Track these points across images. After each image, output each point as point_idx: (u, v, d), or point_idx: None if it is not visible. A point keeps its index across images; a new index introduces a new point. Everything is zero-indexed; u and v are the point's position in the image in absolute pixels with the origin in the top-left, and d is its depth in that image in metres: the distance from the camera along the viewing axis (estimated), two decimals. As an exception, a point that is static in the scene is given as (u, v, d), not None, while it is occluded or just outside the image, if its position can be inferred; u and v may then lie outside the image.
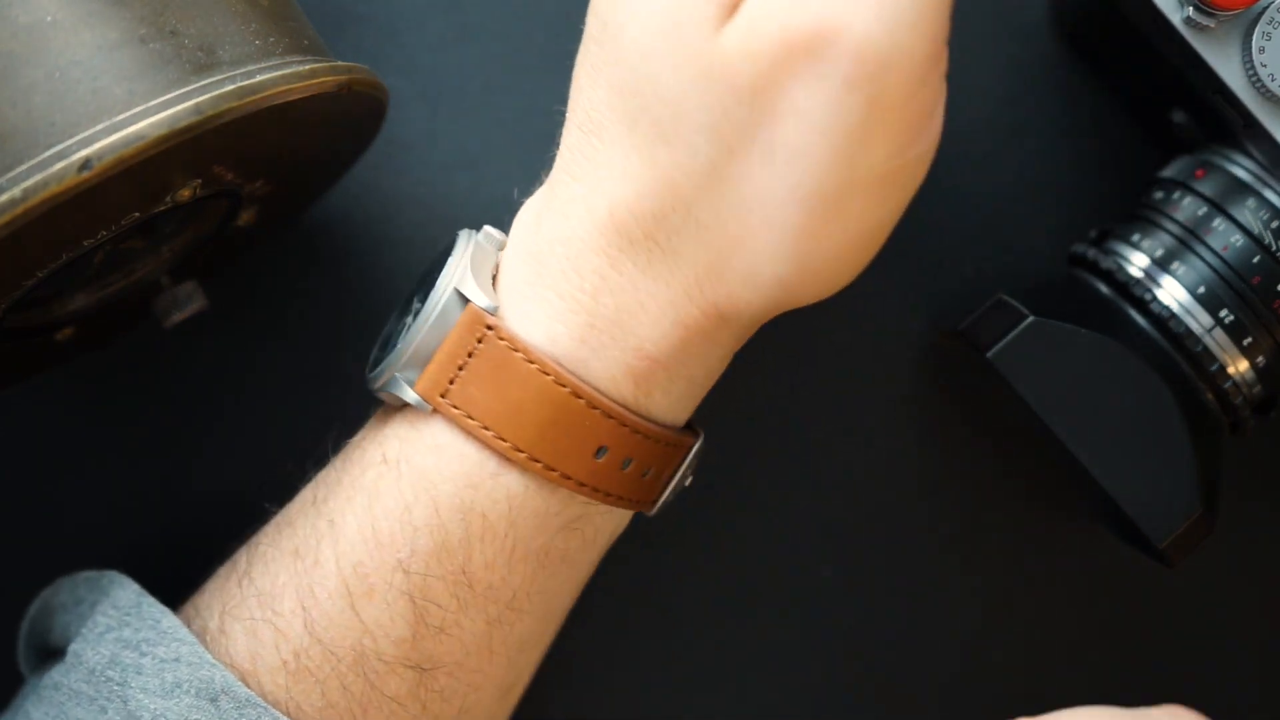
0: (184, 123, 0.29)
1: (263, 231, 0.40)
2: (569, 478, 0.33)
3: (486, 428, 0.32)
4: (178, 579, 0.43)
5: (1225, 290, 0.36)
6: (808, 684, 0.43)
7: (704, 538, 0.43)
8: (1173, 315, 0.36)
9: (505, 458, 0.33)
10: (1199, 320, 0.36)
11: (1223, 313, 0.36)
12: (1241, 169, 0.36)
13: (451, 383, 0.33)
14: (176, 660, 0.32)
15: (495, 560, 0.33)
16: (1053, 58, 0.43)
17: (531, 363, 0.32)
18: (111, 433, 0.44)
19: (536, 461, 0.32)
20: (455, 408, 0.32)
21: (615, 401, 0.33)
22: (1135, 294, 0.36)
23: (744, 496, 0.43)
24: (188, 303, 0.39)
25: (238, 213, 0.37)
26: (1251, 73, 0.33)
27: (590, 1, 0.33)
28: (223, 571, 0.35)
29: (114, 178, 0.29)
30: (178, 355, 0.43)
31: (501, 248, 0.34)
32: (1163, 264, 0.36)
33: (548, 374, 0.32)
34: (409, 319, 0.34)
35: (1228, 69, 0.34)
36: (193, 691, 0.32)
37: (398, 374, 0.33)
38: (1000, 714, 0.43)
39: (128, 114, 0.29)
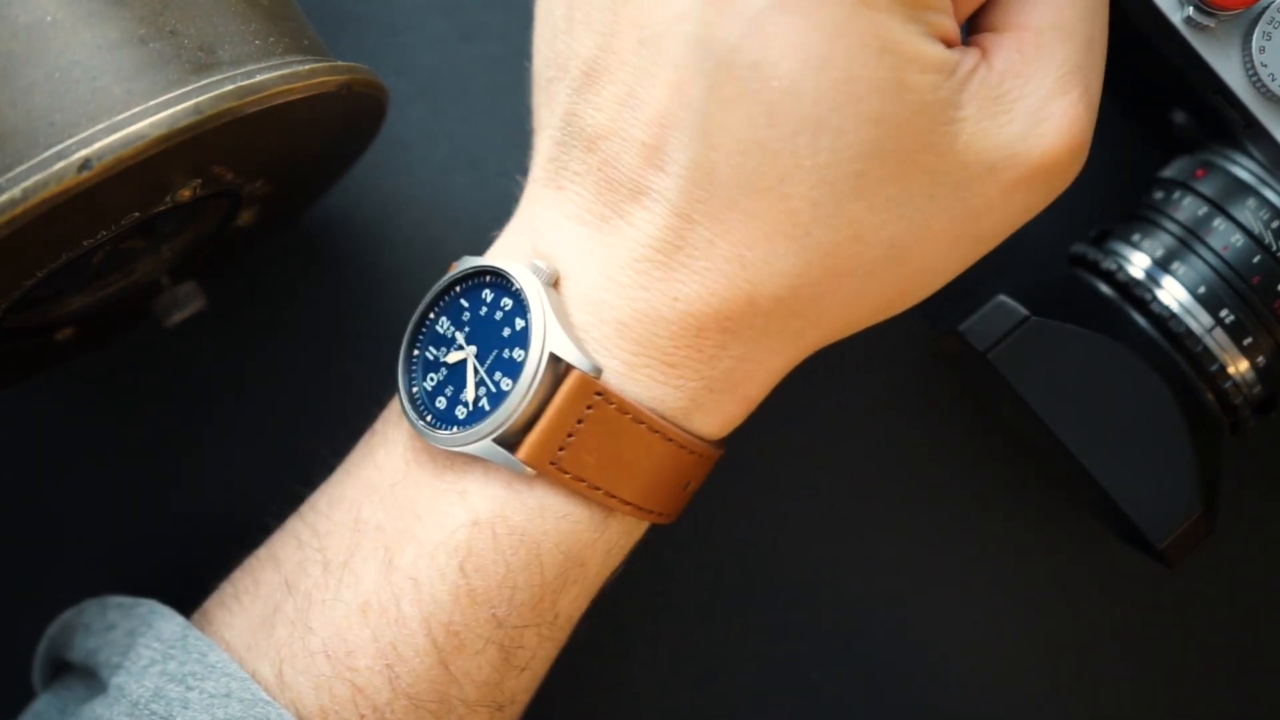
0: (183, 123, 0.29)
1: (263, 231, 0.40)
2: (662, 514, 0.34)
3: (597, 487, 0.32)
4: (176, 579, 0.43)
5: (1225, 290, 0.36)
6: (807, 684, 0.43)
7: (702, 538, 0.43)
8: (1173, 315, 0.36)
9: (612, 510, 0.33)
10: (1199, 320, 0.36)
11: (1223, 313, 0.36)
12: (1242, 169, 0.36)
13: (561, 449, 0.32)
14: (227, 696, 0.31)
15: (580, 596, 0.34)
16: (1053, 58, 0.43)
17: (641, 423, 0.32)
18: (111, 433, 0.44)
19: (642, 510, 0.33)
20: (566, 473, 0.32)
21: (708, 443, 0.34)
22: (1135, 294, 0.36)
23: (742, 496, 0.43)
24: (188, 303, 0.39)
25: (238, 213, 0.37)
26: (1252, 73, 0.33)
27: (678, 60, 0.31)
28: (256, 610, 0.33)
29: (114, 178, 0.29)
30: (178, 355, 0.43)
31: (553, 281, 0.32)
32: (1163, 264, 0.36)
33: (657, 432, 0.32)
34: (478, 378, 0.32)
35: (1228, 69, 0.33)
36: None
37: (491, 439, 0.32)
38: (1000, 714, 0.43)
39: (127, 114, 0.29)
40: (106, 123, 0.29)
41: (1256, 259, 0.35)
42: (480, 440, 0.32)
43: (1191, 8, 0.33)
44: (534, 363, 0.31)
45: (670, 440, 0.32)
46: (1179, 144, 0.39)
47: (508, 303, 0.32)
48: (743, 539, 0.43)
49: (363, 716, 0.31)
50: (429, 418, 0.33)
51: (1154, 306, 0.36)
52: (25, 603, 0.43)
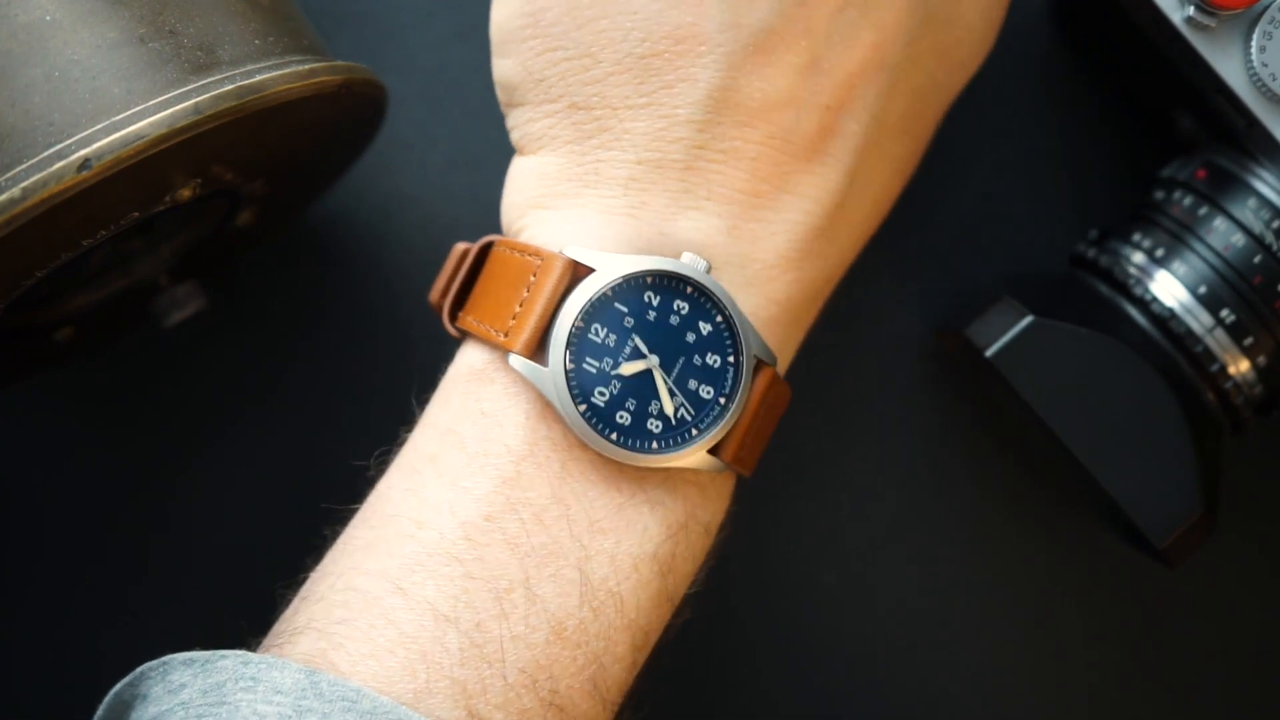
0: (183, 122, 0.29)
1: (262, 231, 0.40)
2: None
3: (752, 463, 0.33)
4: (177, 579, 0.43)
5: (1226, 290, 0.36)
6: (807, 686, 0.43)
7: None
8: (1173, 315, 0.36)
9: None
10: (1200, 320, 0.36)
11: (1223, 312, 0.35)
12: (1243, 169, 0.36)
13: (746, 439, 0.32)
14: None
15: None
16: (1053, 57, 0.43)
17: (787, 395, 0.33)
18: (111, 433, 0.44)
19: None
20: (744, 460, 0.32)
21: None
22: (1136, 294, 0.36)
23: (742, 498, 0.43)
24: (187, 303, 0.39)
25: (237, 213, 0.37)
26: (1252, 72, 0.33)
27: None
28: (405, 650, 0.29)
29: (113, 177, 0.29)
30: (178, 355, 0.43)
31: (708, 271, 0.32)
32: (1163, 263, 0.36)
33: (788, 397, 0.33)
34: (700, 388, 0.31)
35: (1229, 69, 0.33)
36: None
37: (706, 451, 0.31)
38: (999, 712, 0.43)
39: (126, 114, 0.29)
40: (106, 122, 0.29)
41: (1257, 259, 0.35)
42: (697, 453, 0.31)
43: (1192, 7, 0.33)
44: (745, 371, 0.31)
45: (788, 397, 0.33)
46: (1180, 144, 0.39)
47: (682, 306, 0.31)
48: (739, 540, 0.43)
49: None
50: (614, 436, 0.31)
51: (1154, 306, 0.36)
52: (22, 602, 0.43)
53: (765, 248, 0.32)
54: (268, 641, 0.31)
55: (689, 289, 0.31)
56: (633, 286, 0.31)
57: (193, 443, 0.43)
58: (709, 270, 0.31)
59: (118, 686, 0.30)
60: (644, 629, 0.31)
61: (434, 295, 0.34)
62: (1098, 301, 0.37)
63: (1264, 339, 0.36)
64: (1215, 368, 0.36)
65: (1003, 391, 0.37)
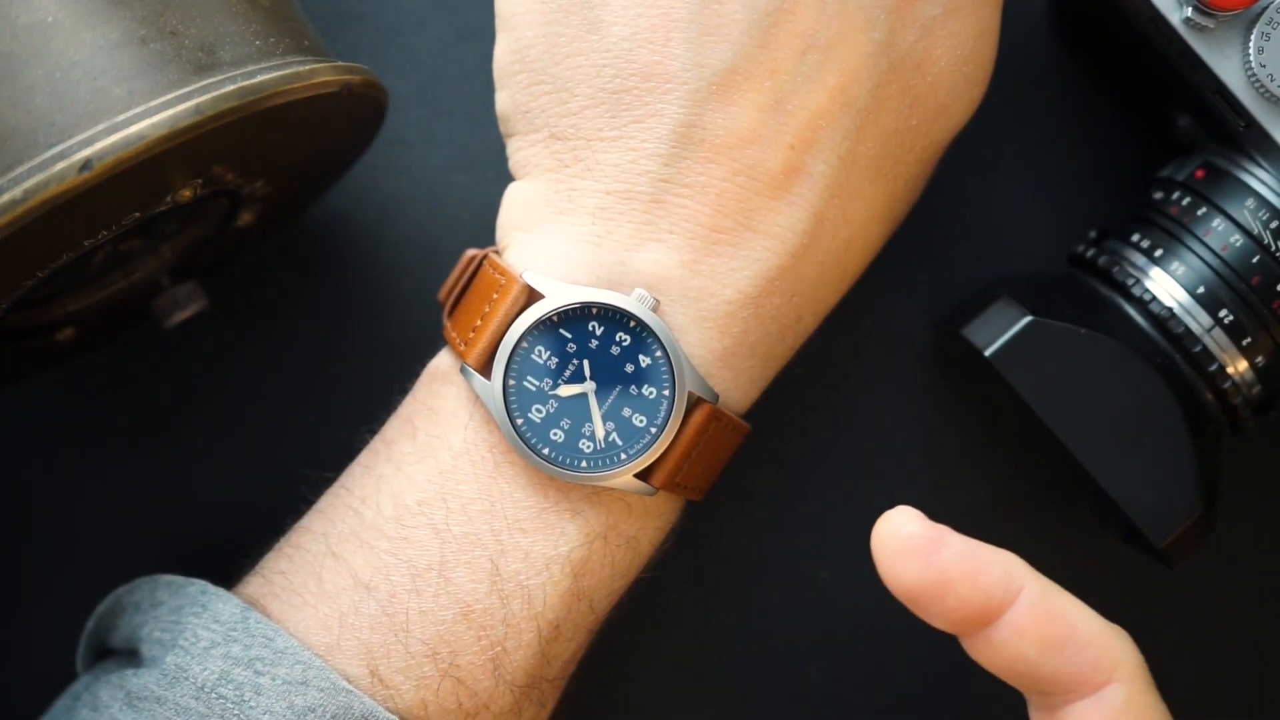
0: (184, 123, 0.29)
1: (263, 231, 0.40)
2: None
3: (698, 489, 0.35)
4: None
5: (1224, 290, 0.36)
6: (805, 684, 0.43)
7: (700, 537, 0.43)
8: (1172, 315, 0.36)
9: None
10: (1198, 320, 0.36)
11: (1222, 313, 0.36)
12: (1241, 169, 0.36)
13: (680, 469, 0.33)
14: (304, 684, 0.31)
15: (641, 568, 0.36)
16: (1053, 58, 0.43)
17: (738, 430, 0.34)
18: (111, 433, 0.44)
19: (703, 491, 0.35)
20: (679, 485, 0.34)
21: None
22: (1134, 294, 0.36)
23: (740, 497, 0.43)
24: (188, 303, 0.39)
25: (238, 213, 0.37)
26: (1251, 73, 0.33)
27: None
28: (327, 608, 0.33)
29: (114, 178, 0.29)
30: (178, 355, 0.44)
31: (655, 308, 0.33)
32: (1162, 264, 0.36)
33: (738, 431, 0.35)
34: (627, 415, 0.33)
35: (1227, 69, 0.34)
36: (328, 718, 0.31)
37: (633, 475, 0.33)
38: (999, 712, 0.43)
39: (128, 114, 0.29)
40: (107, 123, 0.29)
41: (1255, 259, 0.35)
42: (622, 476, 0.33)
43: (1190, 8, 0.33)
44: (679, 405, 0.33)
45: (740, 432, 0.35)
46: (1178, 144, 0.39)
47: (624, 338, 0.33)
48: (736, 538, 0.43)
49: (461, 704, 0.32)
50: (546, 451, 0.33)
51: (1153, 306, 0.36)
52: (25, 602, 0.43)
53: (725, 283, 0.33)
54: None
55: (632, 323, 0.32)
56: (578, 315, 0.33)
57: (193, 442, 0.44)
58: (657, 306, 0.32)
59: (119, 590, 0.35)
60: (552, 622, 0.33)
61: (441, 294, 0.36)
62: (1096, 301, 0.37)
63: (1262, 339, 0.36)
64: (1214, 368, 0.36)
65: (1002, 391, 0.37)
